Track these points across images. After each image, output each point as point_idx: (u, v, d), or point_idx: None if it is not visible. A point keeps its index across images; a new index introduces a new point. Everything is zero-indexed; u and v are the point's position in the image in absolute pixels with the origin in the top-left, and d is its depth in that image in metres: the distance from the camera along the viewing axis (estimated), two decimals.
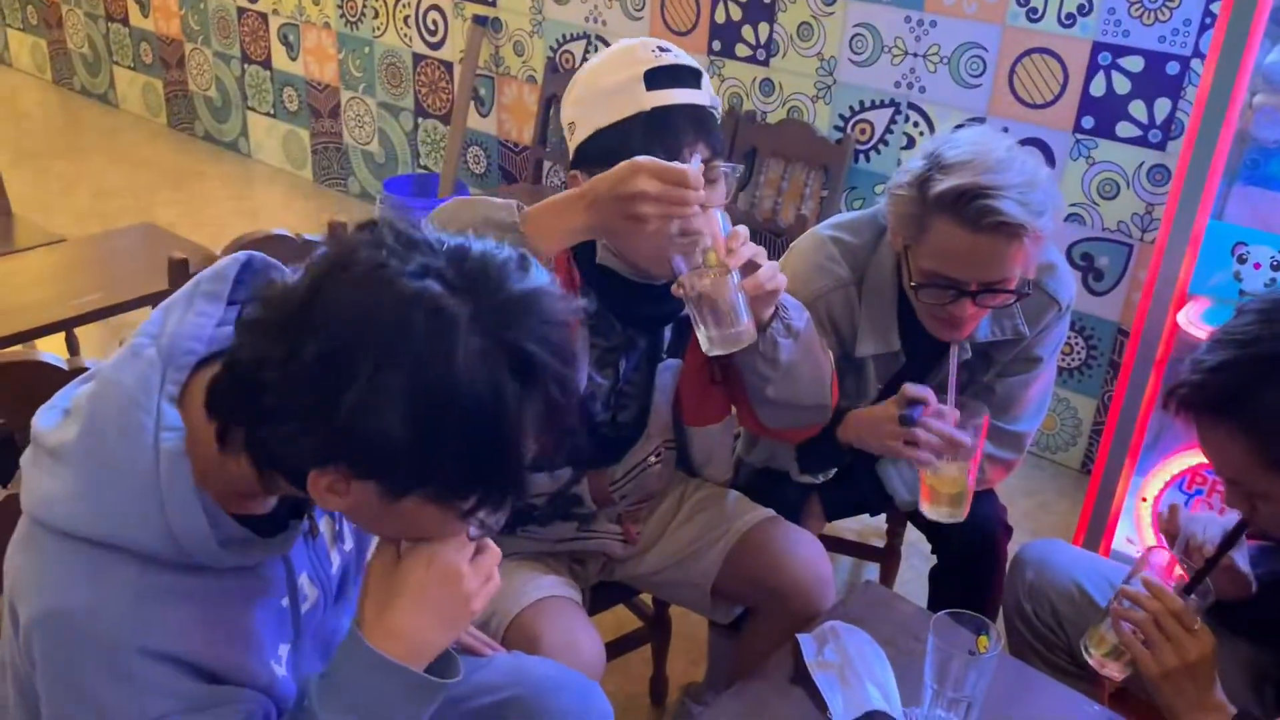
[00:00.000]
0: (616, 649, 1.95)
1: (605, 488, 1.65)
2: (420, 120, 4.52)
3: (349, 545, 1.13)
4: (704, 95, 1.40)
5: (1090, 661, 1.38)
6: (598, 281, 1.50)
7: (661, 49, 1.40)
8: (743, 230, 1.35)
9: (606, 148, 1.36)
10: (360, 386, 0.81)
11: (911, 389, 1.59)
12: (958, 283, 1.58)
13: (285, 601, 1.03)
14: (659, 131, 1.35)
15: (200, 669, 0.91)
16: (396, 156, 4.66)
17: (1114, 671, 1.36)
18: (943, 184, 1.52)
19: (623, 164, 1.28)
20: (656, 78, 1.36)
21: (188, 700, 0.90)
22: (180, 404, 0.91)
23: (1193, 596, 1.32)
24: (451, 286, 0.84)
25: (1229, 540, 1.37)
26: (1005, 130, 2.99)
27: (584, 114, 1.41)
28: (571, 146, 1.43)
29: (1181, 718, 1.23)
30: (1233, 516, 1.37)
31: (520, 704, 1.32)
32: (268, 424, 0.85)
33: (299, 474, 0.87)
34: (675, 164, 1.27)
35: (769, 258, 1.39)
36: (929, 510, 1.60)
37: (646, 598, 2.01)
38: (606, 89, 1.38)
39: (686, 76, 1.39)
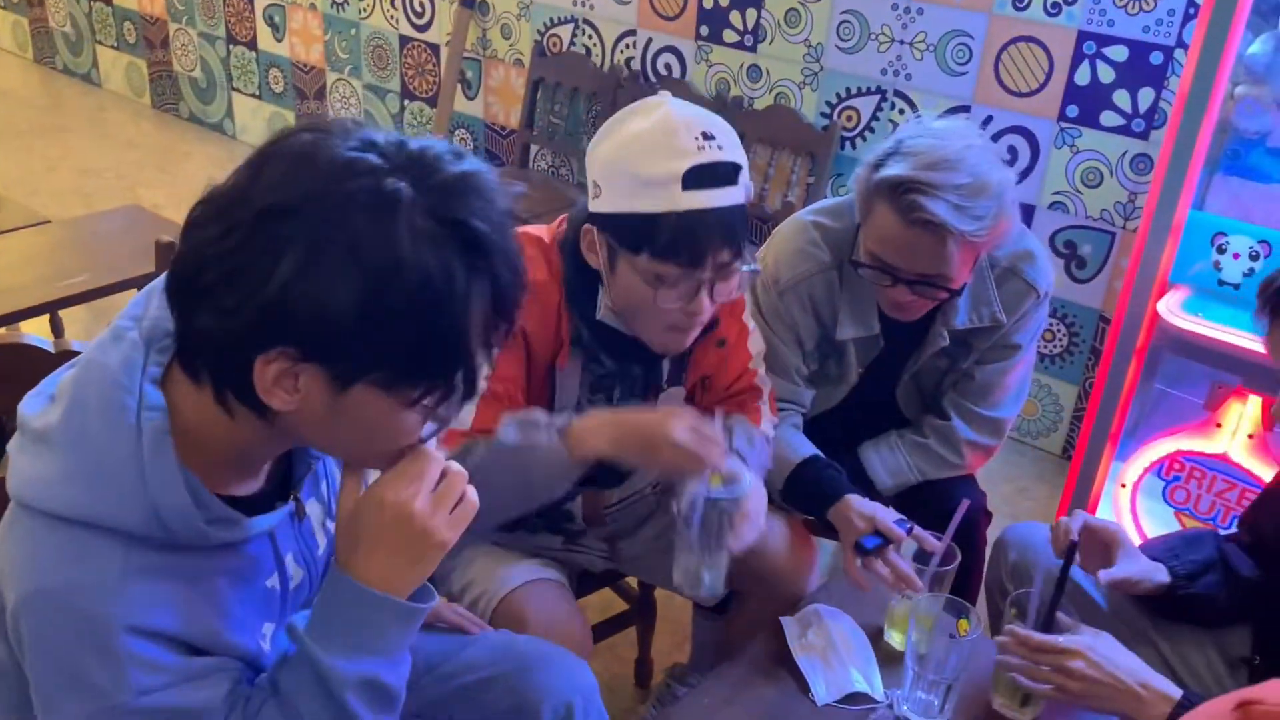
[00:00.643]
0: (602, 631, 1.97)
1: (599, 510, 1.66)
2: (406, 103, 4.50)
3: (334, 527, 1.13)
4: (739, 192, 1.36)
5: (1006, 714, 1.39)
6: (594, 331, 1.49)
7: (707, 136, 1.33)
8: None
9: (632, 231, 1.35)
10: (297, 253, 0.81)
11: (884, 524, 1.57)
12: (893, 269, 1.60)
13: (271, 582, 1.04)
14: (688, 235, 1.32)
15: (187, 644, 0.92)
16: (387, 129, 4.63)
17: (1028, 715, 1.38)
18: (889, 169, 1.54)
19: (662, 414, 1.38)
20: (697, 177, 1.31)
21: (174, 674, 0.91)
22: (163, 385, 0.92)
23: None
24: (392, 163, 0.85)
25: (1064, 571, 1.40)
26: (989, 119, 3.01)
27: (613, 188, 1.36)
28: (592, 206, 1.40)
29: (1135, 715, 1.25)
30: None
31: (507, 680, 1.33)
32: (208, 302, 0.85)
33: (244, 368, 0.85)
34: (708, 429, 1.36)
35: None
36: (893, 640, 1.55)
37: (632, 581, 2.02)
38: (643, 177, 1.32)
39: (727, 173, 1.34)
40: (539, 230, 1.52)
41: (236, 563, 0.98)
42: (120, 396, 0.89)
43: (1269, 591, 1.54)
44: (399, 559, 0.96)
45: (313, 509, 1.10)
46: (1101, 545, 1.52)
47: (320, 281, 0.82)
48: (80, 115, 5.52)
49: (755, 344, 1.69)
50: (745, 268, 1.41)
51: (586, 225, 1.41)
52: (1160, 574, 1.52)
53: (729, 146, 1.35)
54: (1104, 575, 1.48)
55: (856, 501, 1.63)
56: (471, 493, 0.99)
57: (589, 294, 1.46)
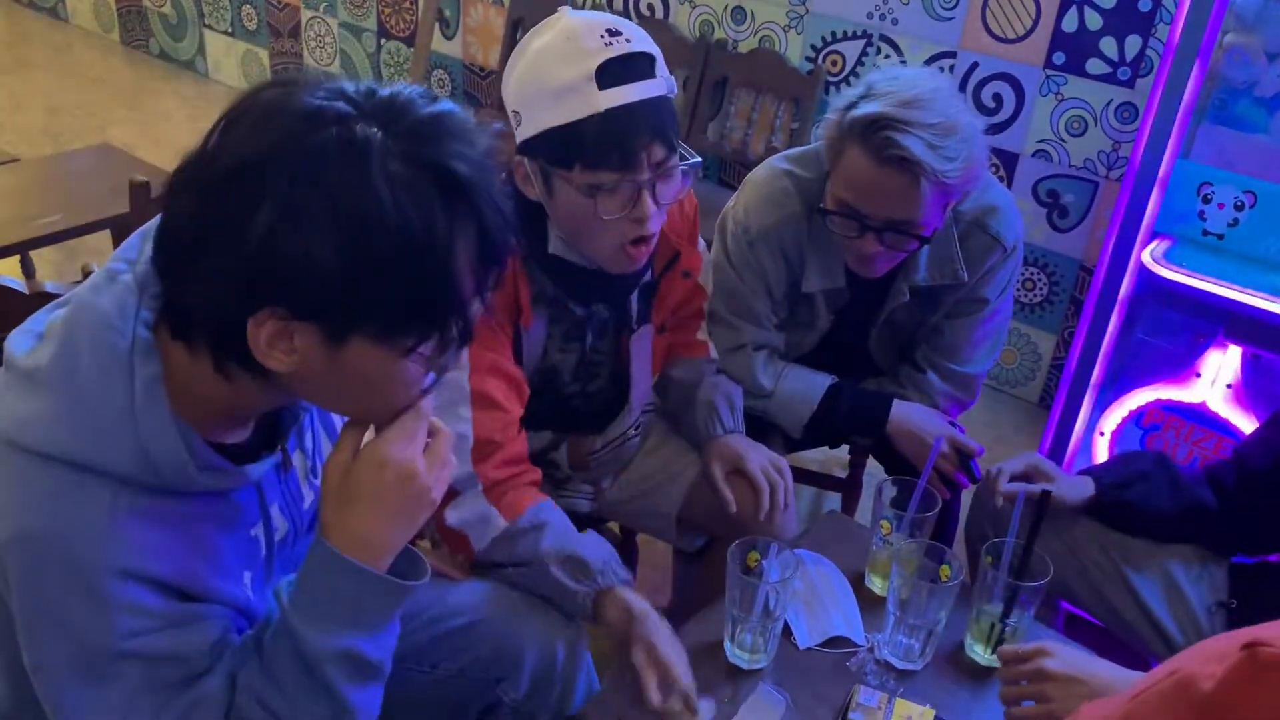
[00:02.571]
0: None
1: (584, 456, 1.66)
2: (383, 42, 4.41)
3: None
4: (660, 83, 1.31)
5: (979, 660, 1.40)
6: (552, 271, 1.47)
7: (611, 32, 1.29)
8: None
9: (558, 146, 1.31)
10: (274, 205, 0.80)
11: (958, 439, 1.75)
12: (862, 216, 1.58)
13: (256, 531, 1.03)
14: (614, 136, 1.28)
15: (173, 588, 0.91)
16: (359, 79, 4.55)
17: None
18: (860, 110, 1.52)
19: (638, 646, 1.28)
20: (609, 73, 1.26)
21: (161, 619, 0.91)
22: (155, 330, 0.90)
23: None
24: (361, 110, 0.83)
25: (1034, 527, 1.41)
26: (975, 65, 2.98)
27: (530, 109, 1.31)
28: (517, 136, 1.35)
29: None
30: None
31: (490, 627, 1.33)
32: (189, 270, 0.84)
33: (238, 333, 0.84)
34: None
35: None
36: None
37: (614, 526, 2.03)
38: (554, 88, 1.27)
39: (640, 65, 1.29)
40: None
41: (224, 509, 0.97)
42: (113, 339, 0.88)
43: (1246, 533, 1.56)
44: (397, 520, 0.95)
45: (298, 460, 1.09)
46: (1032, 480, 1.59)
47: (297, 236, 0.80)
48: (47, 51, 5.39)
49: (707, 279, 1.75)
50: (684, 165, 1.36)
51: (517, 158, 1.37)
52: (1087, 488, 1.60)
53: (638, 39, 1.30)
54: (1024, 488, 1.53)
55: (914, 416, 1.79)
56: (452, 456, 0.99)
57: (538, 233, 1.44)
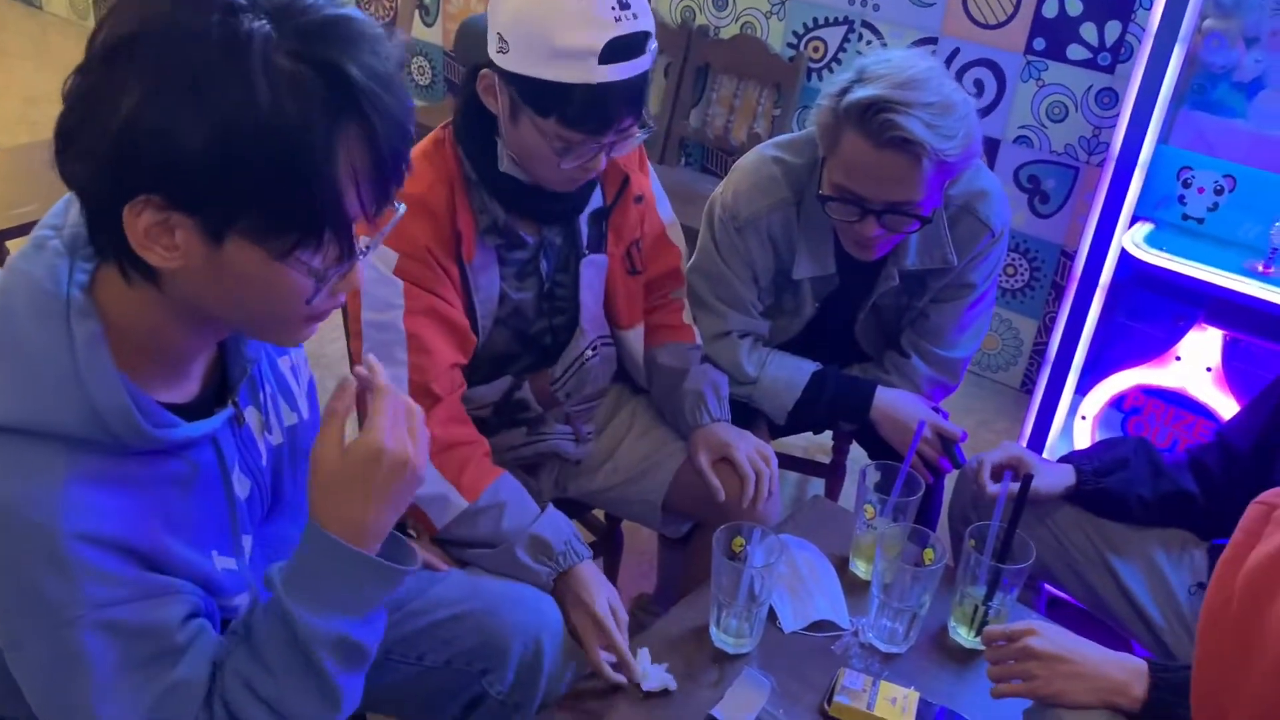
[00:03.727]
0: None
1: (547, 388, 1.65)
2: None
3: (276, 439, 1.11)
4: (648, 59, 1.38)
5: (962, 642, 1.41)
6: (500, 185, 1.49)
7: (622, 4, 1.32)
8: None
9: (541, 96, 1.35)
10: (140, 83, 0.79)
11: (941, 425, 1.77)
12: (862, 199, 1.58)
13: (222, 492, 1.02)
14: (599, 106, 1.34)
15: (139, 554, 0.91)
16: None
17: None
18: (855, 94, 1.52)
19: (587, 641, 1.38)
20: (612, 50, 1.31)
21: (131, 587, 0.90)
22: (90, 292, 0.90)
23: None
24: (256, 5, 0.81)
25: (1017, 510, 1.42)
26: (957, 51, 2.98)
27: (523, 50, 1.33)
28: (497, 59, 1.37)
29: (1112, 694, 1.21)
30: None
31: (476, 618, 1.33)
32: (70, 148, 0.83)
33: (115, 220, 0.83)
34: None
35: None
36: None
37: (599, 513, 2.03)
38: (557, 47, 1.30)
39: (640, 42, 1.35)
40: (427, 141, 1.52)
41: (183, 469, 0.96)
42: (48, 302, 0.87)
43: (1229, 515, 1.57)
44: (390, 505, 0.95)
45: (251, 416, 1.07)
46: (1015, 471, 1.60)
47: (164, 116, 0.79)
48: (22, 39, 5.33)
49: (676, 235, 1.79)
50: (642, 134, 1.44)
51: (486, 70, 1.40)
52: (1068, 476, 1.61)
53: (643, 13, 1.36)
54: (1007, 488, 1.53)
55: (897, 402, 1.81)
56: (425, 427, 1.00)
57: (489, 151, 1.46)
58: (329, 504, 0.94)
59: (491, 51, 1.38)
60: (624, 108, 1.36)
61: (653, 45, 1.38)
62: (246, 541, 1.05)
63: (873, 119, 1.49)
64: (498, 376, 1.63)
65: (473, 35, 2.38)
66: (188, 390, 0.99)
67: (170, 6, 0.80)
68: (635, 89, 1.36)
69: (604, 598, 1.42)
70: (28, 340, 0.87)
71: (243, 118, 0.79)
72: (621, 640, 1.36)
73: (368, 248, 0.93)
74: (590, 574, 1.45)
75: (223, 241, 0.84)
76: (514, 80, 1.36)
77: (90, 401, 0.86)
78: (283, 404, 1.13)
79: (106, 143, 0.80)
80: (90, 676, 0.89)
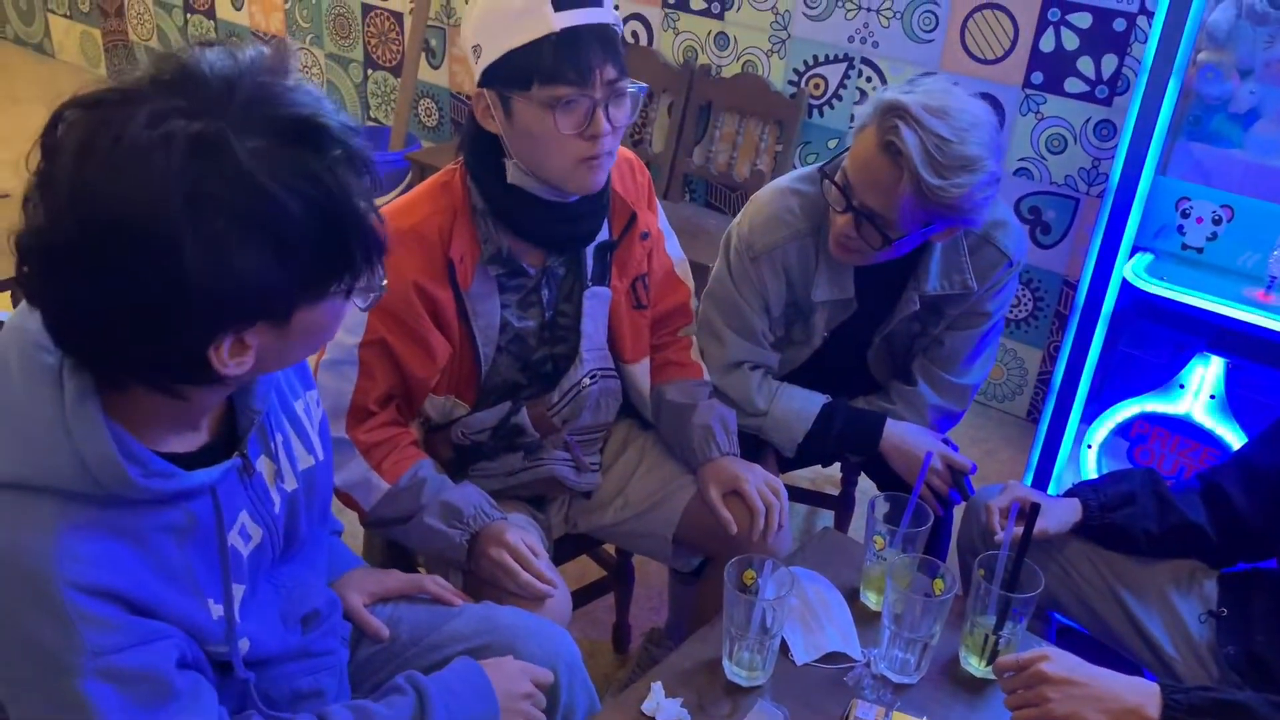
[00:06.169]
0: (581, 598, 1.99)
1: (543, 414, 1.67)
2: (370, 72, 4.45)
3: (290, 485, 1.13)
4: (608, 14, 1.43)
5: (974, 672, 1.42)
6: (509, 207, 1.52)
7: None
8: None
9: (517, 68, 1.40)
10: (186, 253, 0.80)
11: (950, 456, 1.81)
12: (851, 193, 1.62)
13: (232, 539, 1.03)
14: (569, 52, 1.38)
15: (132, 603, 0.92)
16: (346, 109, 4.58)
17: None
18: (895, 94, 1.56)
19: (505, 565, 1.48)
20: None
21: (127, 633, 0.91)
22: None
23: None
24: (191, 114, 0.81)
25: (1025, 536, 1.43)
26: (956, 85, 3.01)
27: (490, 37, 1.42)
28: (478, 69, 1.44)
29: (1126, 718, 1.22)
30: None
31: (491, 651, 1.34)
32: (130, 352, 0.86)
33: (195, 364, 0.87)
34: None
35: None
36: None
37: (610, 548, 2.04)
38: (512, 11, 1.39)
39: None
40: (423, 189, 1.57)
41: (178, 519, 0.97)
42: (41, 356, 0.90)
43: (1233, 541, 1.58)
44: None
45: (263, 465, 1.09)
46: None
47: (222, 264, 0.82)
48: (34, 87, 5.40)
49: (684, 272, 1.83)
50: (632, 88, 1.46)
51: (477, 92, 1.46)
52: (1075, 512, 1.63)
53: None
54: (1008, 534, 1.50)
55: (907, 434, 1.84)
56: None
57: (495, 170, 1.50)
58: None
59: (472, 67, 1.45)
60: (597, 54, 1.39)
61: (609, 4, 1.43)
62: (238, 591, 1.06)
63: (886, 119, 1.54)
64: (502, 403, 1.66)
65: None
66: (195, 440, 1.00)
67: (150, 172, 0.80)
68: (603, 36, 1.41)
69: (516, 533, 1.50)
70: (19, 393, 0.90)
71: (274, 215, 0.83)
72: (538, 563, 1.48)
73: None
74: (503, 526, 1.52)
75: (290, 319, 0.89)
76: (495, 75, 1.42)
77: (78, 454, 0.88)
78: (298, 447, 1.15)
79: (184, 322, 0.83)
80: None
